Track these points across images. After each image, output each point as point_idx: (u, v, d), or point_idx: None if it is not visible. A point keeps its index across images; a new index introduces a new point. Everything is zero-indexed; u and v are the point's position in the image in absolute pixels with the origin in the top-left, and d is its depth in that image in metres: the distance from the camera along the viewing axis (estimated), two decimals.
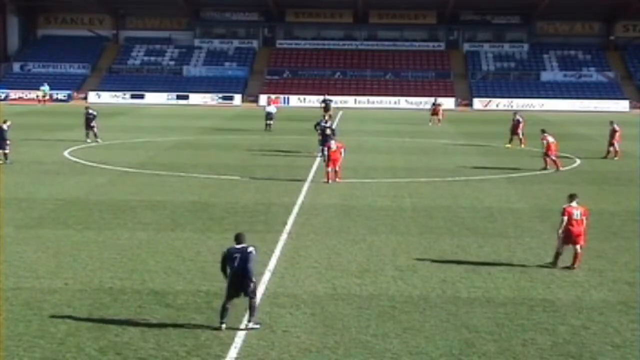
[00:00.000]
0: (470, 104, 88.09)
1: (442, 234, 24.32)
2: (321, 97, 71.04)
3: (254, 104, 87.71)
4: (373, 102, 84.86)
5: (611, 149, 43.26)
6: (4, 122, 39.40)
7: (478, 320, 16.36)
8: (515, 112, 50.19)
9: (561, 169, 37.80)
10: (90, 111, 47.76)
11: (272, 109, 58.93)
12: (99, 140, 46.67)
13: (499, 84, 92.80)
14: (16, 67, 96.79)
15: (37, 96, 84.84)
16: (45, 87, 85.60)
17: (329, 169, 33.80)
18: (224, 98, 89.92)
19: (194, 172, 35.82)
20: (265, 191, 31.46)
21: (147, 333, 15.30)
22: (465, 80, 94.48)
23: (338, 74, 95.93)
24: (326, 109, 63.21)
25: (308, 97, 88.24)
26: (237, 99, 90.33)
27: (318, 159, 39.60)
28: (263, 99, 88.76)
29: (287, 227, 24.73)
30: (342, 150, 34.25)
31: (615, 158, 42.38)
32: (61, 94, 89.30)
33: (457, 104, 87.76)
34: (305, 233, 24.09)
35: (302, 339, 15.20)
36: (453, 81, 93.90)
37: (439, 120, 63.15)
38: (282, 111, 71.04)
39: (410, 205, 29.08)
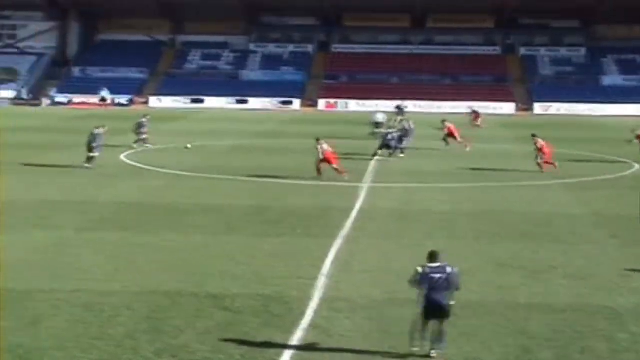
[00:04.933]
0: (530, 109, 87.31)
1: (498, 239, 24.09)
2: (396, 103, 72.94)
3: (312, 108, 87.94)
4: (431, 107, 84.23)
5: None
6: (99, 127, 39.74)
7: (535, 327, 16.16)
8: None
9: (557, 169, 37.91)
10: (144, 120, 48.39)
11: (380, 117, 57.40)
12: (134, 146, 46.85)
13: (558, 89, 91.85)
14: (77, 71, 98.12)
15: (100, 100, 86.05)
16: (105, 92, 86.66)
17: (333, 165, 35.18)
18: (283, 102, 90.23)
19: (250, 176, 35.92)
20: (321, 195, 31.45)
21: (203, 336, 15.34)
22: (522, 84, 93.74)
23: (395, 78, 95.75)
24: (399, 114, 63.85)
25: (367, 102, 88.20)
26: (296, 103, 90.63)
27: (372, 163, 39.75)
28: (322, 103, 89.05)
29: (343, 231, 24.68)
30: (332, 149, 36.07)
31: None
32: (122, 99, 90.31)
33: (517, 109, 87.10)
34: (362, 237, 24.02)
35: (358, 344, 15.13)
36: (510, 86, 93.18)
37: (477, 126, 63.23)
38: (340, 115, 71.17)
39: (467, 210, 28.87)
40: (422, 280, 14.30)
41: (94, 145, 38.44)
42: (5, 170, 37.08)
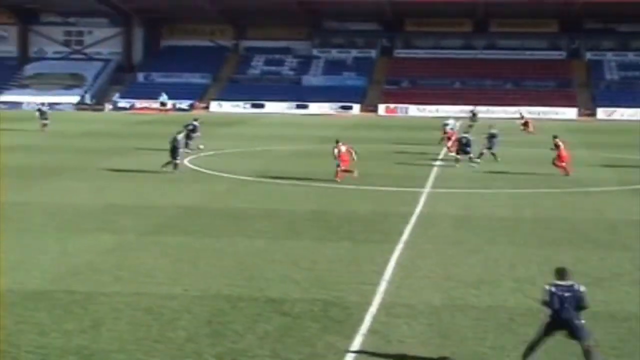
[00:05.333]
0: (593, 114, 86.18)
1: (562, 246, 23.80)
2: (469, 107, 73.46)
3: (372, 113, 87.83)
4: (493, 112, 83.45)
5: None
6: (180, 132, 39.86)
7: (600, 335, 15.89)
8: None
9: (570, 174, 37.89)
10: (195, 123, 49.38)
11: (451, 123, 54.83)
12: (199, 147, 47.75)
13: (623, 94, 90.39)
14: (140, 77, 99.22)
15: (160, 105, 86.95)
16: (164, 97, 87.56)
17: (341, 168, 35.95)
18: (343, 107, 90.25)
19: (312, 181, 35.99)
20: (382, 200, 31.40)
21: (263, 340, 15.39)
22: (587, 89, 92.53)
23: (457, 83, 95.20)
24: (473, 119, 63.64)
25: (427, 107, 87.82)
26: (356, 108, 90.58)
27: (436, 170, 39.60)
28: (382, 108, 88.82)
29: (404, 237, 24.60)
30: (353, 152, 37.10)
31: None
32: (183, 104, 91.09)
33: (580, 114, 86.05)
34: (422, 243, 23.92)
35: (417, 350, 15.06)
36: (574, 91, 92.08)
37: (529, 132, 62.35)
38: (401, 120, 70.97)
39: (529, 216, 28.58)
40: (552, 299, 13.89)
41: (178, 150, 38.54)
42: (72, 176, 37.65)
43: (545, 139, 46.54)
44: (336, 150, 37.00)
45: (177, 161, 38.37)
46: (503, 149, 45.76)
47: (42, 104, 71.19)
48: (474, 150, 42.32)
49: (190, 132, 48.33)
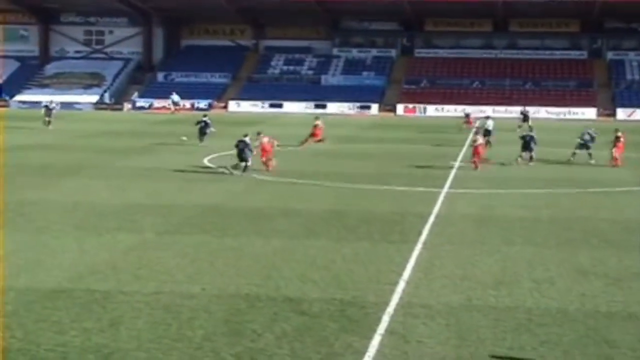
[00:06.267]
0: (612, 114, 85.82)
1: (581, 246, 23.73)
2: (520, 108, 74.52)
3: (391, 113, 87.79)
4: (512, 112, 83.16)
5: None
6: (246, 135, 39.68)
7: (619, 336, 15.87)
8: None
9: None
10: (207, 120, 52.35)
11: (490, 124, 54.66)
12: (205, 143, 50.02)
13: None
14: (160, 76, 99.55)
15: (168, 105, 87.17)
16: (175, 97, 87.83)
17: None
18: (361, 107, 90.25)
19: (329, 181, 36.02)
20: (400, 200, 31.39)
21: (281, 340, 15.42)
22: (608, 89, 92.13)
23: (476, 83, 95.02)
24: (525, 119, 65.09)
25: (446, 107, 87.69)
26: (374, 108, 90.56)
27: (454, 170, 39.62)
28: (400, 108, 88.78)
29: (422, 237, 24.58)
30: (275, 143, 40.20)
31: None
32: (202, 103, 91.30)
33: (599, 114, 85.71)
34: (440, 243, 23.90)
35: (436, 350, 15.05)
36: (595, 91, 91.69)
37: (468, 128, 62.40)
38: (419, 120, 70.93)
39: (547, 216, 28.51)
40: None
41: (247, 152, 38.34)
42: (90, 174, 37.82)
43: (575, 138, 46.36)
44: (257, 142, 39.35)
45: (248, 163, 38.00)
46: (516, 148, 45.72)
47: (50, 101, 71.75)
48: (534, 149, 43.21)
49: (203, 127, 51.34)
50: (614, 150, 43.17)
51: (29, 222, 26.21)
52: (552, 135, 59.56)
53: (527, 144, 43.08)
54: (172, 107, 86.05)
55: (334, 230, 25.60)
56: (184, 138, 50.20)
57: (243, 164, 37.95)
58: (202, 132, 51.77)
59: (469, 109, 74.15)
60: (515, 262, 21.62)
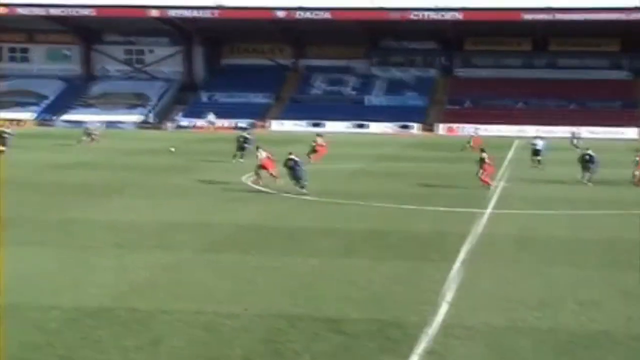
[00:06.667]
0: None
1: (626, 268, 23.36)
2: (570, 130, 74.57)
3: (431, 133, 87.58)
4: (556, 132, 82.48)
5: None
6: (239, 138, 43.94)
7: None
8: None
9: None
10: (248, 136, 53.90)
11: (540, 143, 52.88)
12: (241, 160, 50.95)
13: None
14: (204, 97, 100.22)
15: (206, 124, 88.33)
16: (212, 116, 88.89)
17: None
18: (403, 127, 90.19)
19: (370, 200, 35.90)
20: (441, 220, 31.21)
21: (321, 359, 15.34)
22: None
23: (520, 103, 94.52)
24: (575, 143, 66.38)
25: (489, 127, 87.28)
26: (416, 127, 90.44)
27: (495, 190, 39.40)
28: (442, 127, 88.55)
29: (463, 257, 24.39)
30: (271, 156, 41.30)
31: None
32: (244, 123, 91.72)
33: None
34: (481, 263, 23.70)
35: None
36: (638, 111, 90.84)
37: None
38: (461, 140, 70.58)
39: (590, 237, 28.17)
40: None
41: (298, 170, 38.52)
42: (132, 192, 38.06)
43: (619, 158, 45.91)
44: (259, 156, 41.17)
45: (303, 181, 37.92)
46: (559, 169, 45.44)
47: (96, 122, 73.85)
48: (594, 170, 43.18)
49: (243, 143, 52.47)
50: None
51: (72, 240, 26.40)
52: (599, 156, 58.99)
53: (586, 163, 43.03)
54: (210, 126, 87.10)
55: (374, 250, 25.50)
56: (172, 149, 51.87)
57: (301, 182, 37.91)
58: (241, 148, 52.42)
59: (478, 129, 74.30)
60: (558, 283, 21.38)
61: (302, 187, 37.67)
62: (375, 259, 24.06)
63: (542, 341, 16.61)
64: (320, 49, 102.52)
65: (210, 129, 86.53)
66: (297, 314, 18.16)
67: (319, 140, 54.29)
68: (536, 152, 51.62)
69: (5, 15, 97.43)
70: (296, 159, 38.77)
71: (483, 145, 51.78)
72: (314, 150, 52.57)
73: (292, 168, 38.25)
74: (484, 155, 41.48)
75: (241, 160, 50.98)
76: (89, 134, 66.98)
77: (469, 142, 64.17)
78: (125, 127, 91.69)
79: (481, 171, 40.78)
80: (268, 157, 41.09)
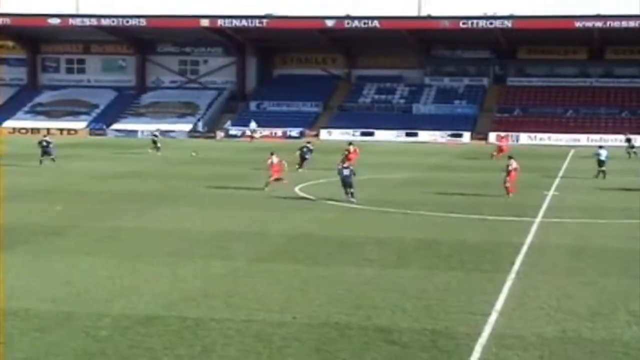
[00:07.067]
0: None
1: None
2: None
3: (482, 141, 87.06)
4: (607, 141, 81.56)
5: None
6: (302, 148, 47.60)
7: None
8: None
9: None
10: (309, 146, 55.07)
11: (603, 153, 51.21)
12: (301, 170, 51.51)
13: None
14: (253, 105, 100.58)
15: (247, 132, 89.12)
16: (253, 124, 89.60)
17: None
18: (453, 135, 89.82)
19: (421, 209, 35.79)
20: (493, 230, 31.01)
21: None
22: None
23: (570, 111, 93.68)
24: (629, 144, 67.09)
25: (539, 135, 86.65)
26: (466, 136, 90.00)
27: (547, 199, 39.10)
28: (492, 136, 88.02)
29: (515, 267, 24.21)
30: (284, 165, 43.12)
31: None
32: (294, 131, 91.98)
33: None
34: (534, 273, 23.50)
35: None
36: None
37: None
38: (513, 149, 70.15)
39: None
40: None
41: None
42: (184, 201, 38.34)
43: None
44: (269, 161, 42.60)
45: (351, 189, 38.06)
46: (614, 177, 44.77)
47: (157, 130, 75.12)
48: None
49: (305, 153, 53.42)
50: None
51: (124, 248, 26.64)
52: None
53: None
54: (253, 135, 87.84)
55: (425, 259, 25.40)
56: (194, 154, 52.66)
57: (350, 190, 38.05)
58: (303, 158, 53.23)
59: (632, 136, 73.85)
60: (612, 294, 21.12)
61: (352, 196, 37.69)
62: (427, 269, 23.97)
63: (595, 352, 16.42)
64: (373, 58, 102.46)
65: (253, 138, 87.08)
66: (348, 323, 18.14)
67: (351, 148, 55.40)
68: (601, 163, 50.39)
69: (59, 27, 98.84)
70: (350, 167, 38.94)
71: (511, 152, 51.66)
72: (346, 158, 52.70)
73: (346, 176, 38.25)
74: (512, 162, 41.46)
75: (300, 170, 51.40)
76: (154, 142, 68.01)
77: (495, 151, 64.24)
78: (175, 136, 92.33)
79: (507, 179, 40.66)
80: (279, 163, 42.70)
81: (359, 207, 36.57)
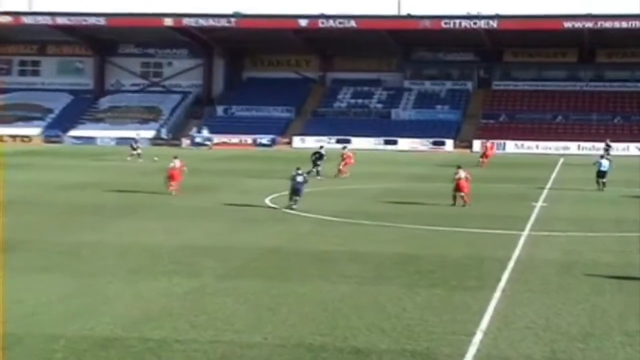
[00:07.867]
0: None
1: None
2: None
3: (467, 150, 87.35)
4: (599, 149, 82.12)
5: None
6: (314, 154, 49.16)
7: None
8: None
9: None
10: (322, 151, 56.53)
11: (605, 164, 50.54)
12: (318, 177, 52.82)
13: None
14: (220, 110, 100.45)
15: (197, 140, 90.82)
16: (205, 132, 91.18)
17: None
18: (435, 143, 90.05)
19: (401, 222, 35.84)
20: (477, 243, 31.09)
21: None
22: None
23: (559, 117, 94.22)
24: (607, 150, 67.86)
25: (526, 143, 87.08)
26: (449, 144, 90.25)
27: (535, 211, 39.23)
28: (477, 144, 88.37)
29: (501, 284, 24.25)
30: (184, 168, 46.04)
31: None
32: (264, 139, 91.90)
33: None
34: (521, 290, 23.55)
35: None
36: None
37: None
38: (497, 158, 70.40)
39: None
40: None
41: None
42: (146, 214, 38.16)
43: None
44: (172, 164, 45.26)
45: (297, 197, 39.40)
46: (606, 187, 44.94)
47: (137, 134, 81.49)
48: None
49: (317, 159, 55.17)
50: None
51: (81, 264, 26.48)
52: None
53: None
54: (205, 143, 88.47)
55: (405, 276, 25.41)
56: (156, 158, 54.45)
57: (296, 197, 39.19)
58: (316, 164, 54.70)
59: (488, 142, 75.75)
60: (605, 313, 21.20)
61: (295, 203, 38.90)
62: (407, 286, 23.97)
63: None
64: (349, 60, 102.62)
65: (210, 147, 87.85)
66: (322, 344, 18.10)
67: (346, 151, 58.81)
68: (601, 174, 49.56)
69: (10, 25, 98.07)
70: (303, 174, 39.93)
71: (498, 161, 52.53)
72: (343, 161, 56.17)
73: (299, 182, 39.32)
74: (460, 172, 41.86)
75: (318, 177, 52.87)
76: (134, 149, 69.14)
77: (481, 157, 65.45)
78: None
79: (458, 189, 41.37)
80: (181, 168, 45.44)
81: (334, 219, 36.57)
